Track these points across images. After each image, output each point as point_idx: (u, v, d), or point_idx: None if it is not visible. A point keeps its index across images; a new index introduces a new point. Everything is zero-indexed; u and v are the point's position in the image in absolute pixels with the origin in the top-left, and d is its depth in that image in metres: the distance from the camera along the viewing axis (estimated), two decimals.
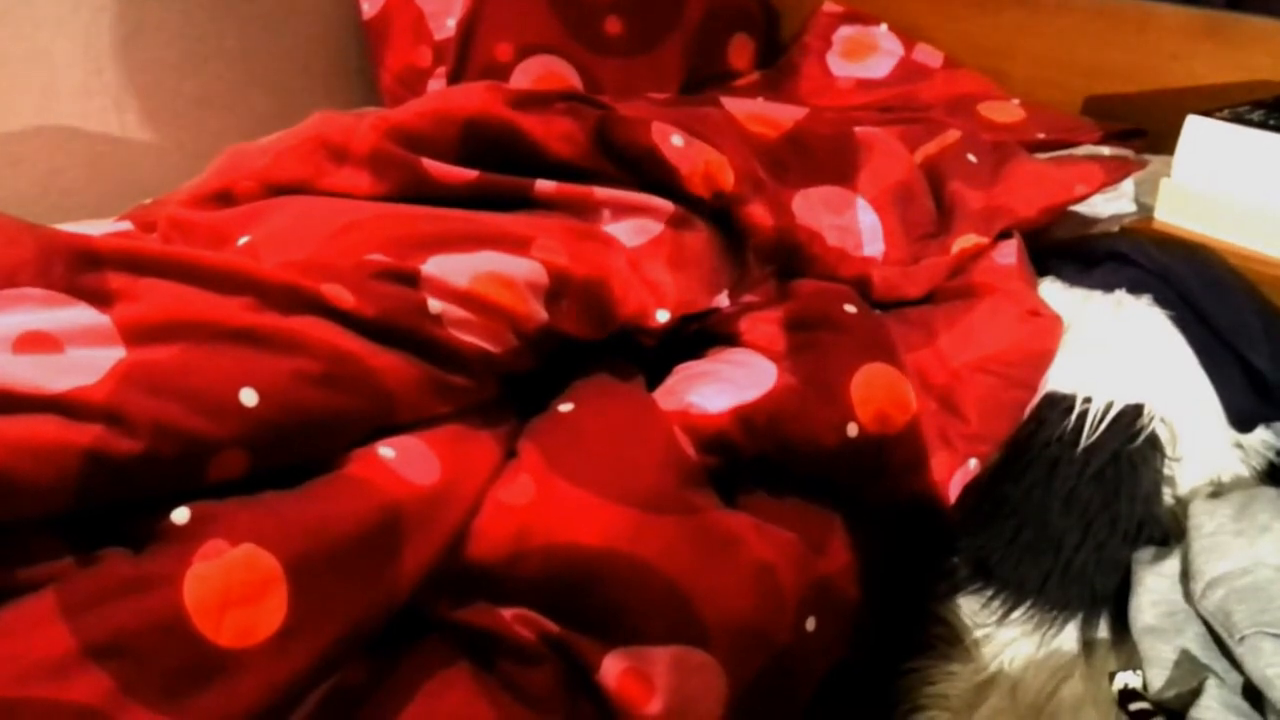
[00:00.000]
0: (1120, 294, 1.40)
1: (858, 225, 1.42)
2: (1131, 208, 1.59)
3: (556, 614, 1.07)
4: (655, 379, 1.31)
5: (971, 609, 1.39)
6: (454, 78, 2.13)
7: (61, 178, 1.89)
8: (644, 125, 1.29)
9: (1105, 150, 1.79)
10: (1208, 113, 1.48)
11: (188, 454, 0.95)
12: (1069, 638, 1.35)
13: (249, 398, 0.97)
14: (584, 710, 1.06)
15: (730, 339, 1.33)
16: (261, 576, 0.92)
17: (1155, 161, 1.65)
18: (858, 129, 1.52)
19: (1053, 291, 1.42)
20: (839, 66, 2.26)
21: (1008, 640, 1.37)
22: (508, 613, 1.08)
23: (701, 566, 1.10)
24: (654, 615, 1.08)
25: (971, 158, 1.56)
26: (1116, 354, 1.34)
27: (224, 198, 1.30)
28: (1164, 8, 1.97)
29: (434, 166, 1.25)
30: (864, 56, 2.25)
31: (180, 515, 0.94)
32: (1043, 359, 1.33)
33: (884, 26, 2.27)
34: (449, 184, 1.25)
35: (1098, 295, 1.40)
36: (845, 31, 2.29)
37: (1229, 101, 1.59)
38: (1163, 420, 1.32)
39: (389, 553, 1.00)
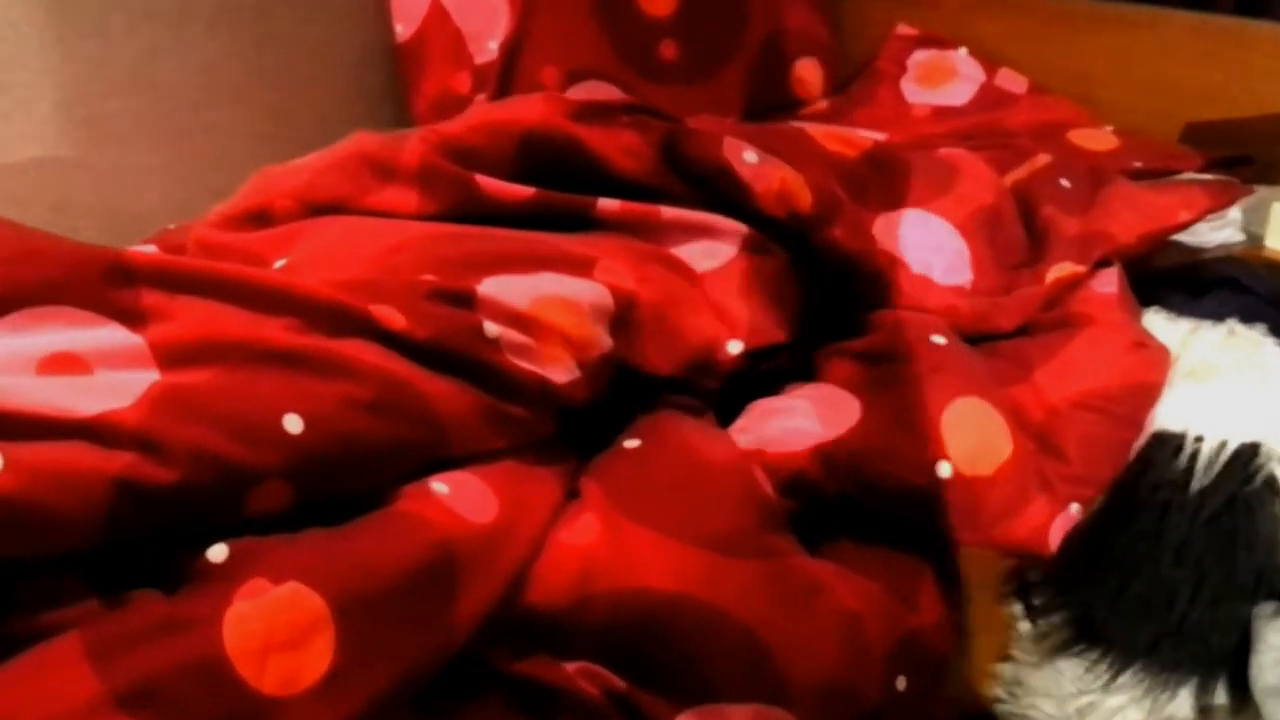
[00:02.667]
0: (1232, 323, 1.37)
1: (944, 251, 1.40)
2: (1240, 237, 1.57)
3: (624, 667, 1.06)
4: (725, 419, 1.29)
5: (1074, 673, 1.36)
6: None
7: (70, 209, 1.89)
8: (715, 140, 1.28)
9: (1204, 176, 1.77)
10: None
11: (226, 484, 0.94)
12: (1183, 704, 1.31)
13: (293, 424, 0.96)
14: None
15: (807, 376, 1.32)
16: (307, 617, 0.91)
17: (1263, 189, 1.63)
18: (943, 150, 1.51)
19: (1158, 322, 1.40)
20: (915, 93, 2.25)
21: (1116, 707, 1.34)
22: (571, 666, 1.06)
23: (782, 616, 1.08)
24: (731, 669, 1.06)
25: (1065, 182, 1.55)
26: (1229, 388, 1.32)
27: (259, 218, 1.30)
28: (1263, 26, 1.95)
29: (488, 183, 1.25)
30: (942, 82, 2.24)
31: (218, 552, 0.93)
32: (1149, 394, 1.31)
33: (963, 51, 2.25)
34: (504, 201, 1.25)
35: (1207, 325, 1.38)
36: (921, 56, 2.28)
37: None
38: None
39: (443, 595, 0.99)
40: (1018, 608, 1.43)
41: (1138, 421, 1.30)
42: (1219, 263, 1.51)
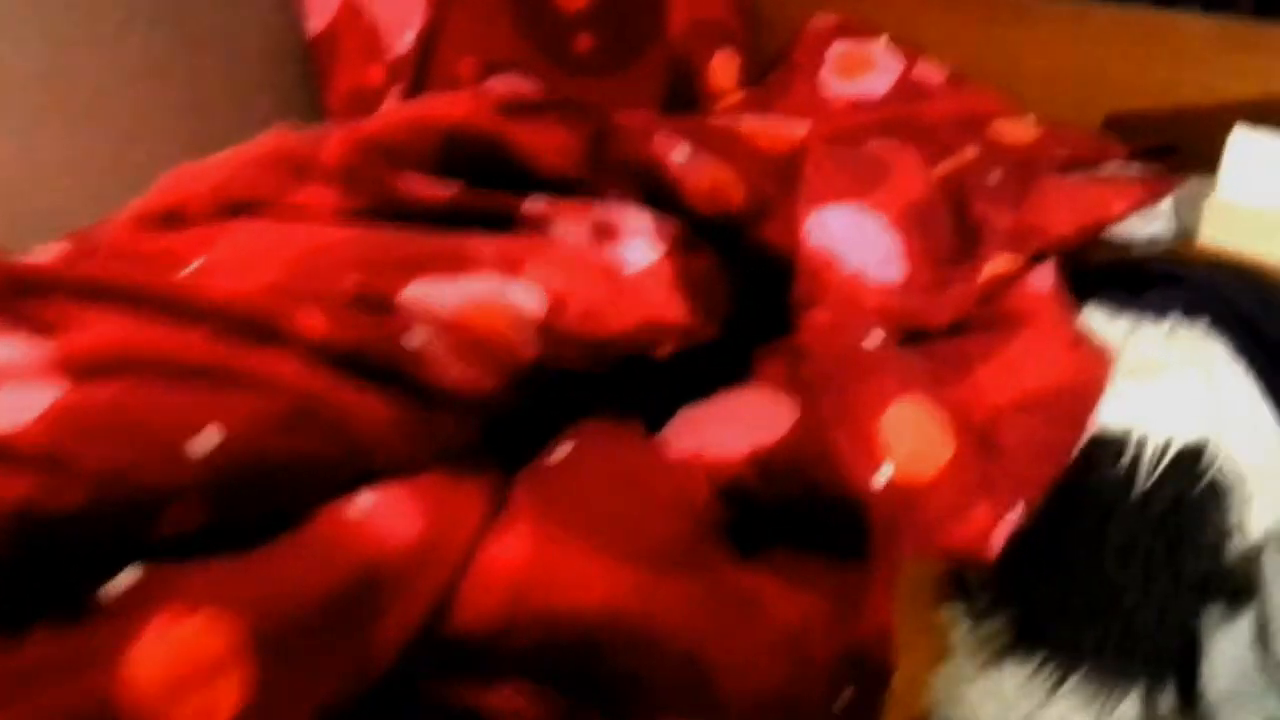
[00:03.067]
0: (1173, 319, 1.34)
1: (876, 248, 1.36)
2: (1170, 229, 1.54)
3: (557, 687, 1.00)
4: (657, 423, 1.24)
5: (1017, 678, 1.33)
6: (411, 97, 2.07)
7: None
8: (645, 137, 1.23)
9: (1135, 169, 1.75)
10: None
11: (136, 506, 0.88)
12: (1130, 708, 1.29)
13: (206, 442, 0.90)
14: None
15: (738, 371, 1.27)
16: (221, 650, 0.84)
17: (1194, 181, 1.60)
18: (873, 143, 1.47)
19: (1097, 318, 1.37)
20: (833, 85, 2.22)
21: (1061, 714, 1.31)
22: (502, 688, 1.00)
23: (721, 631, 1.03)
24: (669, 687, 1.01)
25: (995, 176, 1.51)
26: (1172, 386, 1.28)
27: (173, 218, 1.23)
28: (1185, 18, 1.94)
29: (410, 181, 1.19)
30: (860, 73, 2.21)
31: (126, 579, 0.86)
32: (1092, 394, 1.27)
33: (882, 41, 2.23)
34: (427, 201, 1.19)
35: (1148, 321, 1.35)
36: (839, 47, 2.25)
37: (1260, 116, 1.55)
38: (1227, 460, 1.26)
39: (365, 619, 0.93)
40: (957, 609, 1.39)
41: (1080, 422, 1.27)
42: (1156, 259, 1.47)
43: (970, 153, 1.59)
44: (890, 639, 1.19)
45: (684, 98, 2.27)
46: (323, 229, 1.16)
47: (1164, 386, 1.28)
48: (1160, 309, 1.36)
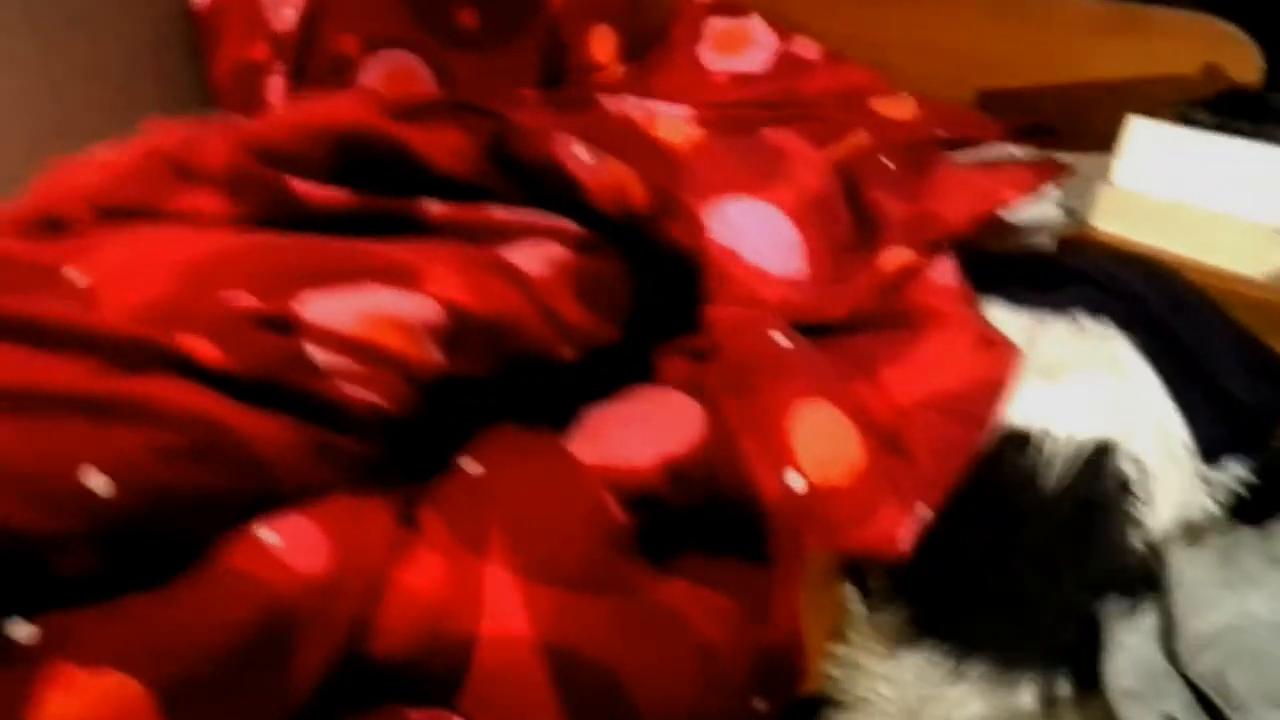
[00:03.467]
0: (1078, 316, 1.34)
1: (777, 241, 1.33)
2: (1056, 212, 1.55)
3: (475, 712, 0.97)
4: (559, 422, 1.21)
5: (915, 663, 1.32)
6: (295, 74, 2.00)
7: None
8: (544, 137, 1.19)
9: (1015, 149, 1.75)
10: (1150, 113, 1.45)
11: (23, 555, 0.82)
12: (1026, 695, 1.29)
13: (97, 483, 0.85)
14: None
15: (641, 371, 1.24)
16: (127, 709, 0.79)
17: (1082, 164, 1.61)
18: (767, 130, 1.44)
19: (1000, 313, 1.36)
20: (712, 60, 2.20)
21: (958, 697, 1.31)
22: (418, 715, 0.96)
23: (638, 651, 1.01)
24: (587, 708, 0.98)
25: (886, 162, 1.50)
26: (1077, 384, 1.28)
27: (49, 224, 1.16)
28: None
29: (301, 186, 1.13)
30: (739, 49, 2.20)
31: (20, 631, 0.81)
32: (998, 392, 1.27)
33: (757, 18, 2.22)
34: (320, 206, 1.13)
35: (1051, 317, 1.34)
36: (717, 23, 2.24)
37: (1134, 95, 1.56)
38: (1133, 458, 1.27)
39: (278, 658, 0.89)
40: (851, 591, 1.39)
41: (985, 421, 1.26)
42: (1058, 251, 1.47)
43: (860, 137, 1.57)
44: (800, 643, 1.17)
45: (563, 72, 2.24)
46: (209, 236, 1.10)
47: (1069, 383, 1.28)
48: (1065, 304, 1.36)
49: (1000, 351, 1.29)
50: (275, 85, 2.01)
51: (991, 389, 1.27)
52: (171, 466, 0.89)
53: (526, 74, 2.17)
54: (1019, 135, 1.86)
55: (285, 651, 0.89)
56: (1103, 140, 1.76)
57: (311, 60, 1.99)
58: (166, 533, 0.89)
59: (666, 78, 2.20)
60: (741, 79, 2.17)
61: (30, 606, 0.82)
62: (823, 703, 1.36)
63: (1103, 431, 1.27)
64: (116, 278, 1.06)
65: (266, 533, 0.93)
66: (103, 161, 1.23)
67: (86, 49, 2.02)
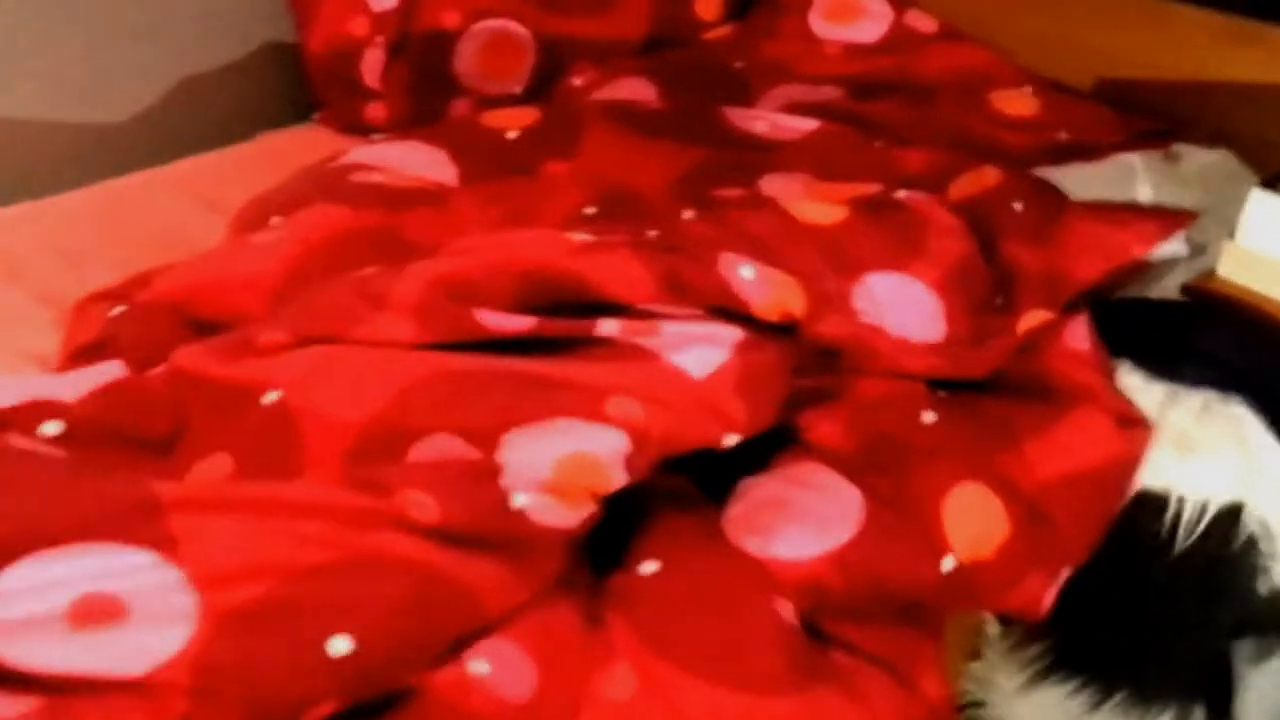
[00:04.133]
0: (1208, 394, 1.41)
1: (920, 311, 1.39)
2: (1184, 250, 1.59)
3: None
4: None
5: (1057, 696, 1.41)
6: (395, 48, 2.03)
7: None
8: (712, 262, 1.27)
9: (1135, 158, 1.78)
10: (1271, 185, 1.51)
11: (280, 717, 0.92)
12: None
13: (342, 646, 0.94)
14: None
15: (788, 435, 1.31)
16: None
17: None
18: (903, 195, 1.49)
19: (1135, 384, 1.42)
20: (823, 27, 2.20)
21: None
22: None
23: None
24: None
25: (1017, 206, 1.54)
26: (1208, 452, 1.36)
27: (244, 345, 1.24)
28: (1181, 7, 1.95)
29: (488, 319, 1.21)
30: (851, 19, 2.20)
31: None
32: (1132, 467, 1.34)
33: None
34: (505, 334, 1.20)
35: (1184, 392, 1.41)
36: None
37: (1255, 99, 1.56)
38: (1260, 520, 1.34)
39: None
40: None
41: (1124, 492, 1.35)
42: (1188, 317, 1.52)
43: (991, 177, 1.60)
44: (949, 706, 1.27)
45: (669, 33, 2.24)
46: (406, 362, 1.17)
47: (1199, 452, 1.35)
48: (1196, 380, 1.42)
49: (1137, 431, 1.36)
50: (373, 60, 2.05)
51: (1129, 466, 1.35)
52: (403, 619, 0.98)
53: (631, 37, 2.18)
54: (1141, 138, 1.87)
55: None
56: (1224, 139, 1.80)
57: (412, 34, 2.02)
58: (399, 674, 0.98)
59: (776, 43, 2.20)
60: (854, 50, 2.17)
61: None
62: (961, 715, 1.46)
63: (1232, 496, 1.34)
64: (315, 402, 1.16)
65: (478, 664, 1.02)
66: (271, 256, 1.34)
67: (171, 24, 2.08)
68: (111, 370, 1.31)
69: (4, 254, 1.65)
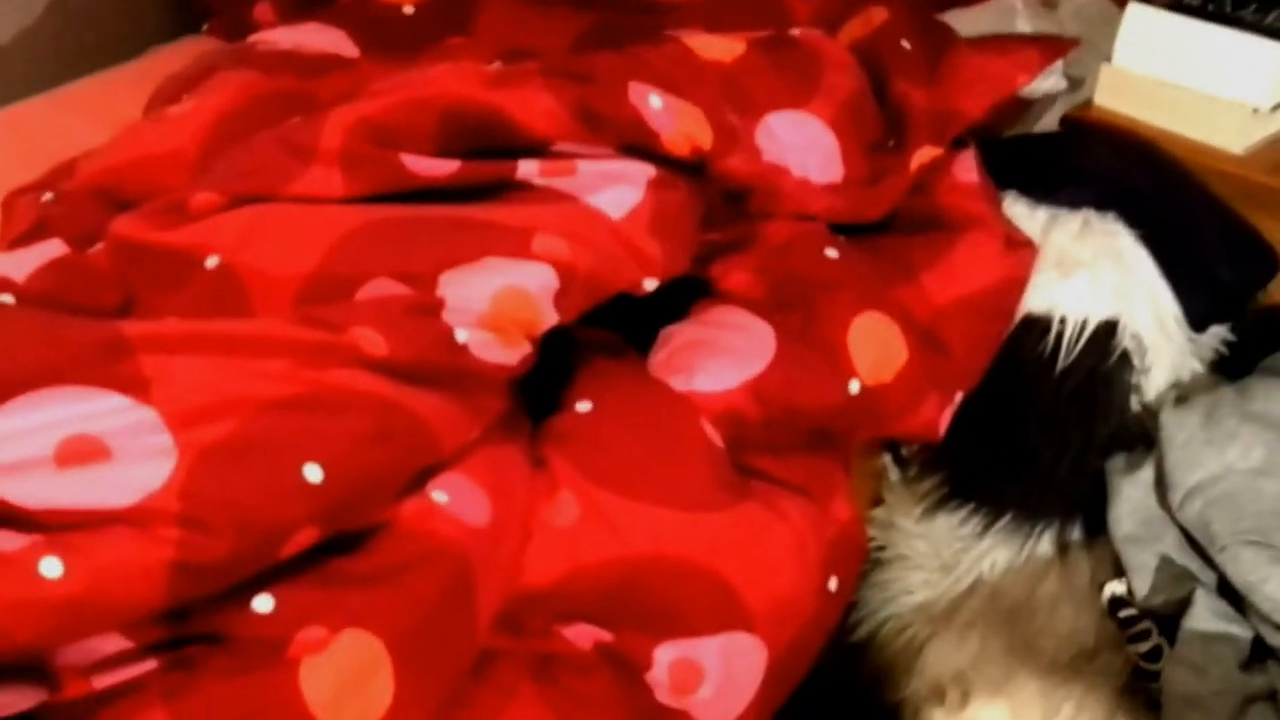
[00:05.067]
0: (1086, 213, 1.62)
1: (818, 150, 1.58)
2: (1063, 84, 1.80)
3: (610, 622, 1.26)
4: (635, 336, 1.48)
5: (951, 524, 1.65)
6: None
7: None
8: (622, 91, 1.41)
9: (1016, 1, 1.98)
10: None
11: (267, 543, 1.06)
12: (1045, 543, 1.62)
13: (314, 474, 1.09)
14: (642, 705, 1.27)
15: (702, 285, 1.50)
16: (369, 660, 1.07)
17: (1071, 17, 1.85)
18: (797, 32, 1.66)
19: (1020, 212, 1.64)
20: None
21: (986, 549, 1.64)
22: (564, 629, 1.26)
23: (745, 556, 1.30)
24: (703, 611, 1.28)
25: (905, 44, 1.72)
26: (1087, 273, 1.57)
27: (176, 209, 1.37)
28: None
29: (414, 163, 1.35)
30: None
31: (263, 604, 1.07)
32: (1020, 287, 1.56)
33: None
34: (432, 180, 1.36)
35: (1064, 214, 1.63)
36: None
37: None
38: (1133, 335, 1.57)
39: (467, 604, 1.16)
40: (887, 458, 1.70)
41: (1011, 313, 1.57)
42: (1066, 143, 1.74)
43: (878, 15, 1.78)
44: (861, 522, 1.49)
45: None
46: (339, 215, 1.32)
47: (1080, 273, 1.57)
48: (1076, 202, 1.64)
49: (1023, 252, 1.58)
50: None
51: (1017, 286, 1.56)
52: (369, 449, 1.13)
53: None
54: None
55: (470, 597, 1.17)
56: None
57: None
58: (369, 506, 1.14)
59: None
60: None
61: (264, 583, 1.07)
62: (864, 560, 1.68)
63: (1109, 314, 1.57)
64: (256, 260, 1.30)
65: (438, 494, 1.19)
66: (187, 127, 1.47)
67: None
68: (53, 248, 1.43)
69: None
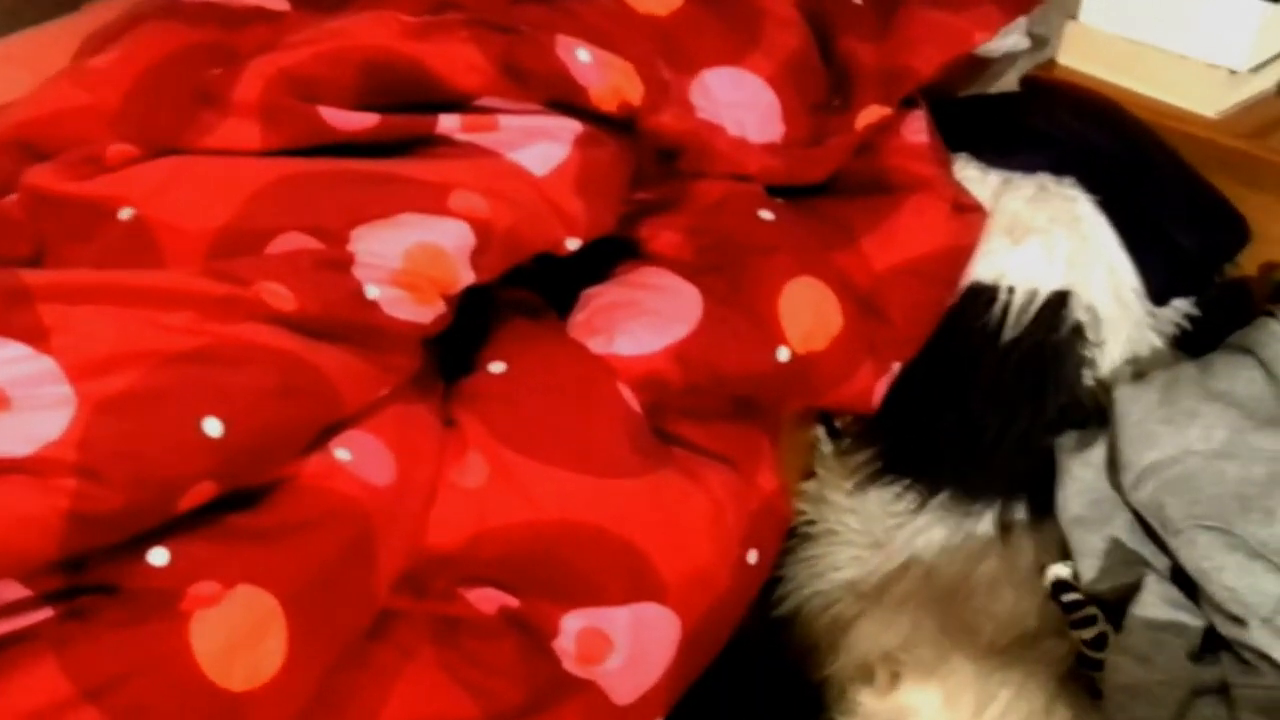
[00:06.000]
0: (1042, 177, 1.72)
1: (757, 108, 1.68)
2: (1025, 43, 1.89)
3: (516, 587, 1.37)
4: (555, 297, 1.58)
5: (884, 499, 1.76)
6: None
7: None
8: (549, 45, 1.50)
9: None
10: None
11: (163, 497, 1.16)
12: (985, 522, 1.72)
13: (214, 428, 1.18)
14: (547, 674, 1.37)
15: (629, 246, 1.61)
16: (262, 616, 1.17)
17: None
18: None
19: (971, 175, 1.73)
20: None
21: (922, 526, 1.74)
22: (467, 593, 1.37)
23: (658, 524, 1.41)
24: (614, 579, 1.39)
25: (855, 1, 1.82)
26: (1039, 241, 1.67)
27: (91, 160, 1.47)
28: None
29: (332, 115, 1.45)
30: None
31: (158, 558, 1.16)
32: (966, 254, 1.66)
33: None
34: (350, 134, 1.46)
35: (1018, 178, 1.72)
36: None
37: None
38: (1087, 307, 1.66)
39: (366, 564, 1.27)
40: (820, 430, 1.81)
41: (955, 281, 1.66)
42: (1024, 103, 1.83)
43: None
44: (786, 494, 1.59)
45: None
46: (254, 169, 1.41)
47: (1031, 241, 1.66)
48: (1031, 165, 1.73)
49: (972, 216, 1.67)
50: None
51: (963, 253, 1.66)
52: (270, 404, 1.22)
53: None
54: None
55: (371, 556, 1.27)
56: None
57: None
58: (268, 462, 1.24)
59: None
60: None
61: (159, 536, 1.17)
62: (792, 535, 1.79)
63: (1061, 284, 1.66)
64: (169, 212, 1.39)
65: (341, 452, 1.29)
66: (108, 80, 1.56)
67: None
68: None
69: None
